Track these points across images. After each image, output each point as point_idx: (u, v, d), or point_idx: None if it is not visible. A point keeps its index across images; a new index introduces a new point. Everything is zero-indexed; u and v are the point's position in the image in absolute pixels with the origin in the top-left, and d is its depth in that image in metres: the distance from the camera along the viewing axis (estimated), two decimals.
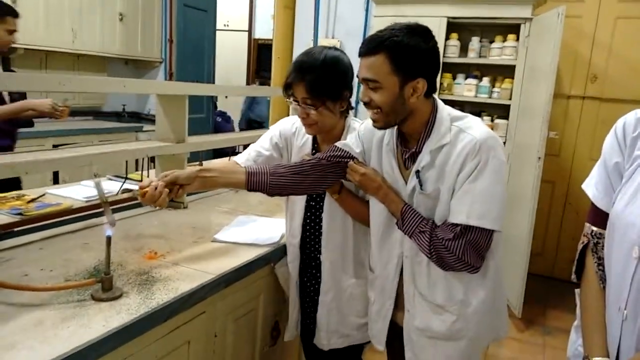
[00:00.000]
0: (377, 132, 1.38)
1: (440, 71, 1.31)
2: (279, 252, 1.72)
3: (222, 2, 5.80)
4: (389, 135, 1.36)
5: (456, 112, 1.30)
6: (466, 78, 3.42)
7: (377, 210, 1.41)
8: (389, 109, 1.23)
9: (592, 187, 1.07)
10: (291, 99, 1.51)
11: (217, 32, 5.54)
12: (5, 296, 1.15)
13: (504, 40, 3.25)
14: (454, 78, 3.44)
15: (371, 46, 1.21)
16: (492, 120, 3.37)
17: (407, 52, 1.19)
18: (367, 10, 3.94)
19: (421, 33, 1.22)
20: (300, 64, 1.47)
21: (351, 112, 1.58)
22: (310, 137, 1.64)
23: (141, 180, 1.97)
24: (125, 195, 1.98)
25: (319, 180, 1.43)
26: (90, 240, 1.58)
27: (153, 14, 4.67)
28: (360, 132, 1.45)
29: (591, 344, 1.02)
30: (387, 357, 1.60)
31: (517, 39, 3.18)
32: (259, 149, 1.67)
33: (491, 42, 3.34)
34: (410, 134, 1.31)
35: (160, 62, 4.92)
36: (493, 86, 3.35)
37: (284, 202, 1.74)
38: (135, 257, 1.48)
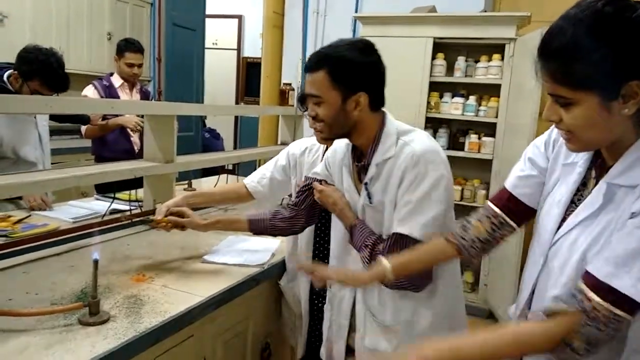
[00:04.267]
0: (339, 151, 1.42)
1: (383, 84, 1.30)
2: (275, 269, 1.72)
3: (211, 21, 5.84)
4: (345, 150, 1.40)
5: (405, 127, 1.32)
6: (453, 97, 3.46)
7: (337, 227, 1.43)
8: (332, 122, 1.27)
9: (513, 176, 1.13)
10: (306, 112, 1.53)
11: (206, 50, 5.57)
12: None
13: (489, 59, 3.31)
14: (441, 97, 3.49)
15: (312, 62, 1.25)
16: (479, 138, 3.41)
17: (346, 67, 1.22)
18: (354, 30, 4.00)
19: (362, 48, 1.25)
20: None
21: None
22: (321, 153, 1.67)
23: (129, 200, 2.00)
24: (113, 216, 1.96)
25: (310, 214, 1.53)
26: (76, 263, 1.56)
27: (142, 32, 4.68)
28: (327, 156, 1.49)
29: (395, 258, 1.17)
30: None
31: (502, 59, 3.24)
32: (264, 171, 1.80)
33: (476, 61, 3.40)
34: (362, 148, 1.33)
35: (148, 80, 4.91)
36: (479, 105, 3.40)
37: None
38: (123, 279, 1.46)
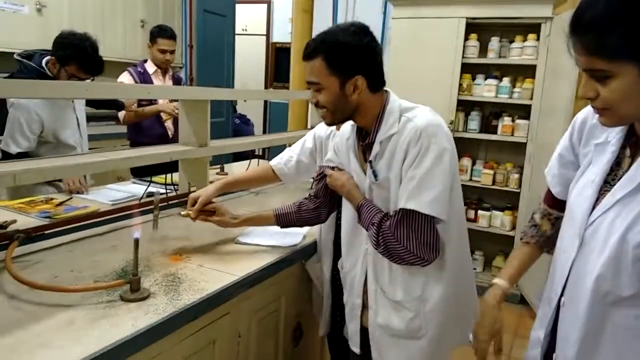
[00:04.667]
0: (345, 133, 1.44)
1: (380, 66, 1.31)
2: (307, 250, 1.75)
3: (241, 7, 5.86)
4: (350, 131, 1.42)
5: (408, 104, 1.33)
6: (486, 79, 3.39)
7: (347, 209, 1.45)
8: (333, 108, 1.30)
9: (549, 175, 1.17)
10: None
11: (236, 36, 5.60)
12: (37, 296, 1.19)
13: (524, 40, 3.22)
14: (474, 79, 3.43)
15: (308, 51, 1.28)
16: (512, 121, 3.34)
17: (340, 52, 1.24)
18: (384, 12, 3.95)
19: (355, 32, 1.26)
20: None
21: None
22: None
23: (164, 183, 2.05)
24: (150, 199, 2.02)
25: (331, 201, 1.59)
26: (117, 243, 1.62)
27: (173, 19, 4.74)
28: (335, 142, 1.51)
29: (503, 271, 1.20)
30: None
31: (538, 39, 3.15)
32: (291, 153, 1.84)
33: (511, 42, 3.31)
34: (366, 128, 1.35)
35: (180, 67, 4.98)
36: (514, 86, 3.32)
37: None
38: (161, 258, 1.51)
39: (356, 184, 1.38)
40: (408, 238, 1.23)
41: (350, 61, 1.25)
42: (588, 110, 1.05)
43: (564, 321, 1.01)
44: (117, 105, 2.90)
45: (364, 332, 1.42)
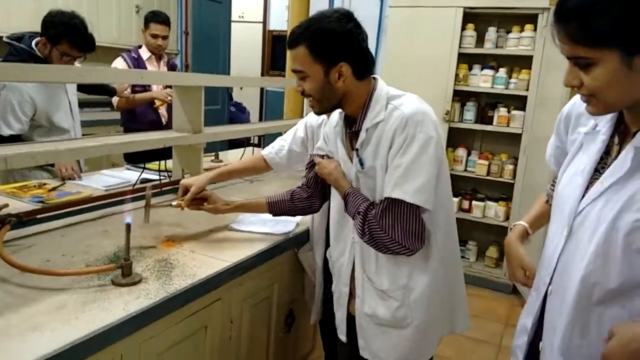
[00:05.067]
0: (333, 121, 1.43)
1: (365, 52, 1.29)
2: (300, 238, 1.75)
3: None
4: (338, 119, 1.41)
5: (396, 92, 1.32)
6: (482, 69, 3.38)
7: (335, 196, 1.44)
8: (319, 96, 1.29)
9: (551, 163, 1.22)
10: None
11: (232, 23, 5.56)
12: (28, 280, 1.19)
13: (521, 30, 3.21)
14: (470, 69, 3.41)
15: (292, 39, 1.27)
16: (508, 112, 3.34)
17: (323, 39, 1.23)
18: (382, 1, 3.92)
19: (339, 18, 1.24)
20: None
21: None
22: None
23: (159, 170, 2.04)
24: (144, 185, 2.01)
25: (323, 190, 1.57)
26: (109, 228, 1.62)
27: (169, 5, 4.69)
28: (325, 130, 1.51)
29: (524, 217, 1.26)
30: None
31: (535, 29, 3.13)
32: (282, 142, 1.84)
33: (508, 32, 3.30)
34: (353, 115, 1.34)
35: (176, 54, 4.94)
36: (510, 77, 3.31)
37: None
38: (153, 244, 1.51)
39: (343, 173, 1.38)
40: (393, 227, 1.22)
41: (333, 48, 1.23)
42: (573, 102, 1.06)
43: (551, 310, 1.02)
44: (108, 91, 2.89)
45: (351, 320, 1.42)
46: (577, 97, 1.09)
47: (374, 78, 1.34)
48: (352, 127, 1.35)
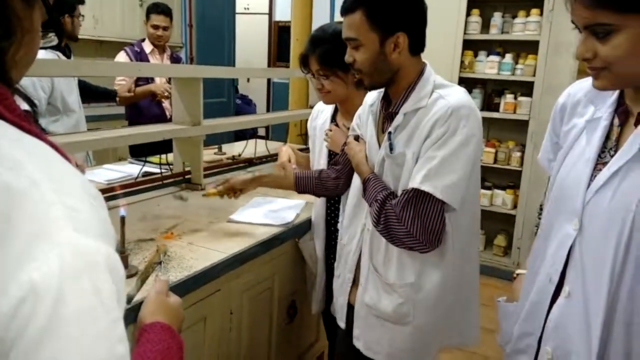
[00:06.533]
0: (369, 100, 1.38)
1: (424, 25, 1.24)
2: (301, 228, 1.75)
3: None
4: (375, 97, 1.35)
5: (443, 81, 1.25)
6: (488, 55, 3.33)
7: (356, 180, 1.40)
8: (371, 68, 1.20)
9: (543, 160, 1.14)
10: (308, 73, 1.59)
11: (237, 15, 5.53)
12: None
13: (527, 15, 3.15)
14: (476, 55, 3.36)
15: (348, 4, 1.18)
16: (515, 98, 3.29)
17: (383, 6, 1.14)
18: None
19: None
20: (313, 38, 1.56)
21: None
22: (328, 113, 1.71)
23: (160, 163, 2.05)
24: (145, 178, 2.02)
25: (351, 171, 1.46)
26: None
27: None
28: (359, 110, 1.45)
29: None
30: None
31: (541, 14, 3.07)
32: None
33: (514, 17, 3.24)
34: (393, 96, 1.27)
35: (180, 47, 4.94)
36: (516, 63, 3.26)
37: None
38: (151, 236, 1.51)
39: (366, 157, 1.32)
40: (413, 220, 1.15)
41: (393, 16, 1.14)
42: (567, 93, 1.03)
43: (569, 314, 0.93)
44: (108, 95, 2.93)
45: (351, 308, 1.40)
46: (570, 88, 1.05)
47: (423, 61, 1.27)
48: (388, 109, 1.28)
